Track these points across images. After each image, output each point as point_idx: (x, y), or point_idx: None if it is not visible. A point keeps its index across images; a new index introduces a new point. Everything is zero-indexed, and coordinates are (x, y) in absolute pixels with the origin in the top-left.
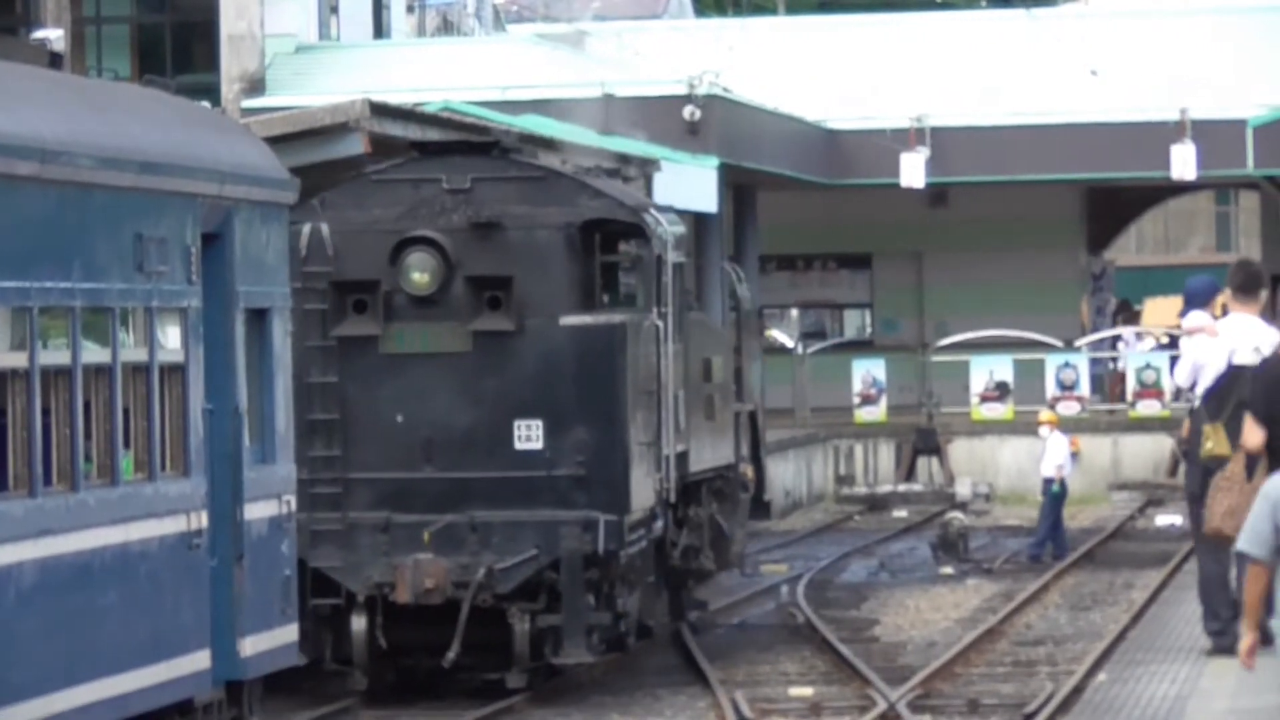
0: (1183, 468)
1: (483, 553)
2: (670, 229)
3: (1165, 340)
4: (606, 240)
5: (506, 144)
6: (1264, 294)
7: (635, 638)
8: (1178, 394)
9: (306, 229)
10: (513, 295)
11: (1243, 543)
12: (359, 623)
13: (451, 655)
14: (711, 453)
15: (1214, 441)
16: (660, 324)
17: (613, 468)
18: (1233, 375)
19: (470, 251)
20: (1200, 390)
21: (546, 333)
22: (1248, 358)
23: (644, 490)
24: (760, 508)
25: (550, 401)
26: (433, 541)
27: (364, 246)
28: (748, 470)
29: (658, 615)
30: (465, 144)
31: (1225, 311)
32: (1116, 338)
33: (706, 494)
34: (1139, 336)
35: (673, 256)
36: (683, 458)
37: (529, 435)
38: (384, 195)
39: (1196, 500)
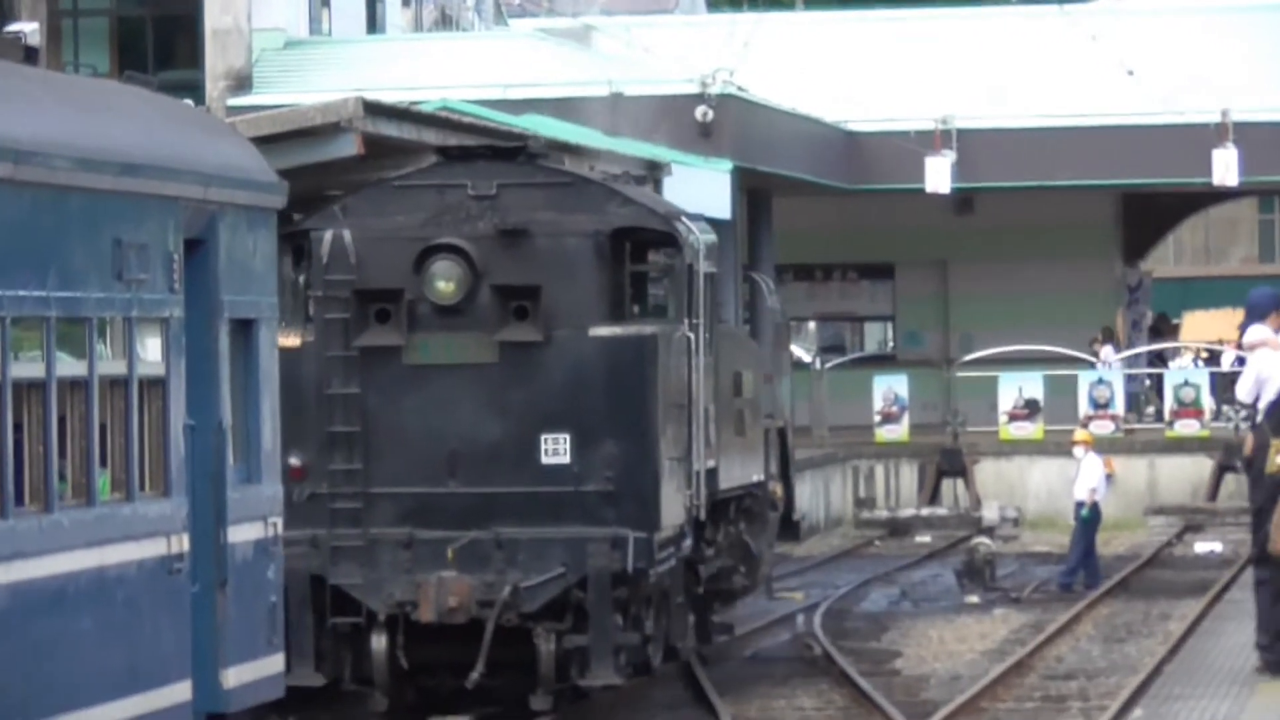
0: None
1: (508, 570)
2: (702, 238)
3: (1206, 356)
4: (636, 249)
5: (533, 149)
6: None
7: (662, 660)
8: (1218, 412)
9: (328, 236)
10: (540, 305)
11: None
12: (379, 642)
13: (475, 676)
14: (741, 470)
15: None
16: (691, 336)
17: (642, 483)
18: None
19: (496, 260)
20: (1264, 405)
21: (575, 344)
22: None
23: (674, 507)
24: (789, 528)
25: (578, 414)
26: (457, 559)
27: (387, 254)
28: (776, 489)
29: (685, 638)
30: (491, 149)
31: None
32: (1159, 354)
33: (735, 512)
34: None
35: (704, 266)
36: (712, 474)
37: (556, 449)
38: (407, 202)
39: (1262, 514)
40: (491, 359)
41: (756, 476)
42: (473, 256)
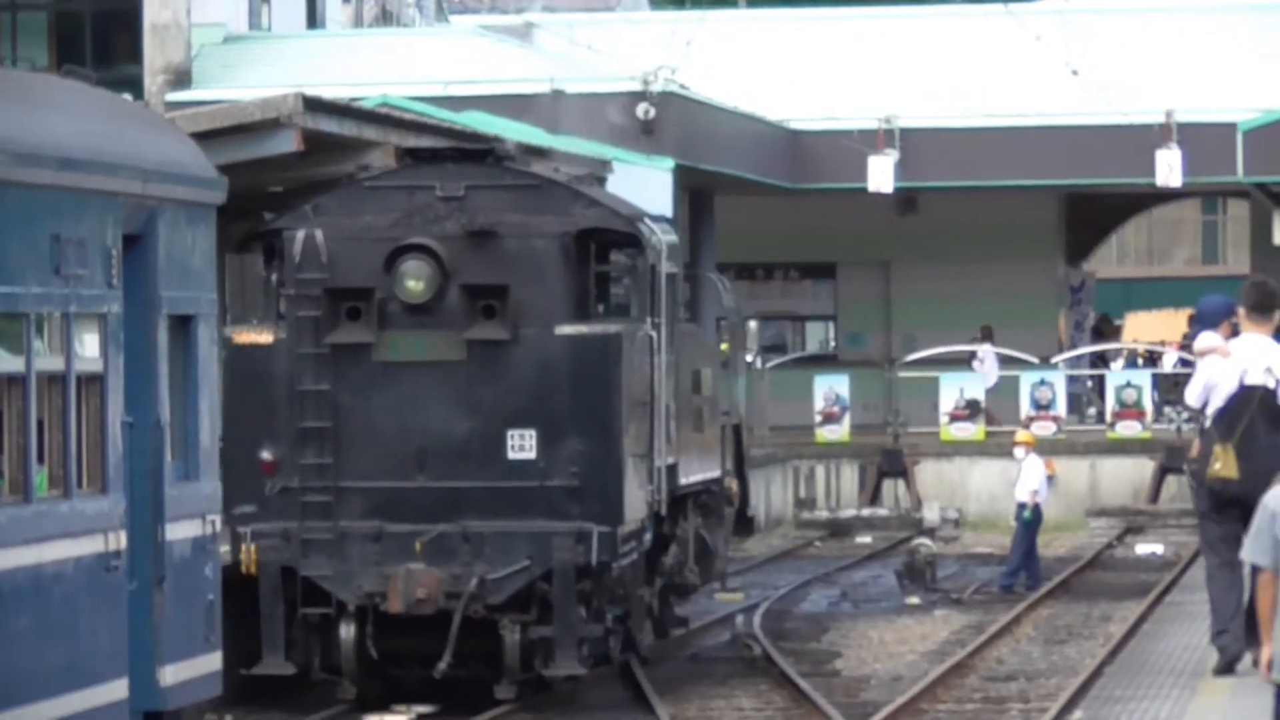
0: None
1: (475, 563)
2: (664, 239)
3: (1147, 357)
4: (601, 249)
5: (501, 152)
6: (1278, 314)
7: (620, 652)
8: (1159, 414)
9: (300, 235)
10: (508, 304)
11: (1247, 554)
12: (349, 632)
13: (443, 666)
14: (699, 466)
15: (1222, 463)
16: (654, 334)
17: (606, 479)
18: (1244, 396)
19: (465, 260)
20: (1212, 411)
21: (541, 342)
22: (1260, 378)
23: (636, 502)
24: (744, 523)
25: (544, 411)
26: (425, 551)
27: (358, 254)
28: (732, 485)
29: (644, 630)
30: (459, 151)
31: (1235, 331)
32: (1101, 355)
33: (692, 508)
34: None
35: (666, 267)
36: (672, 470)
37: (523, 445)
38: (377, 202)
39: (1205, 517)
40: (460, 357)
41: (714, 473)
42: (442, 256)
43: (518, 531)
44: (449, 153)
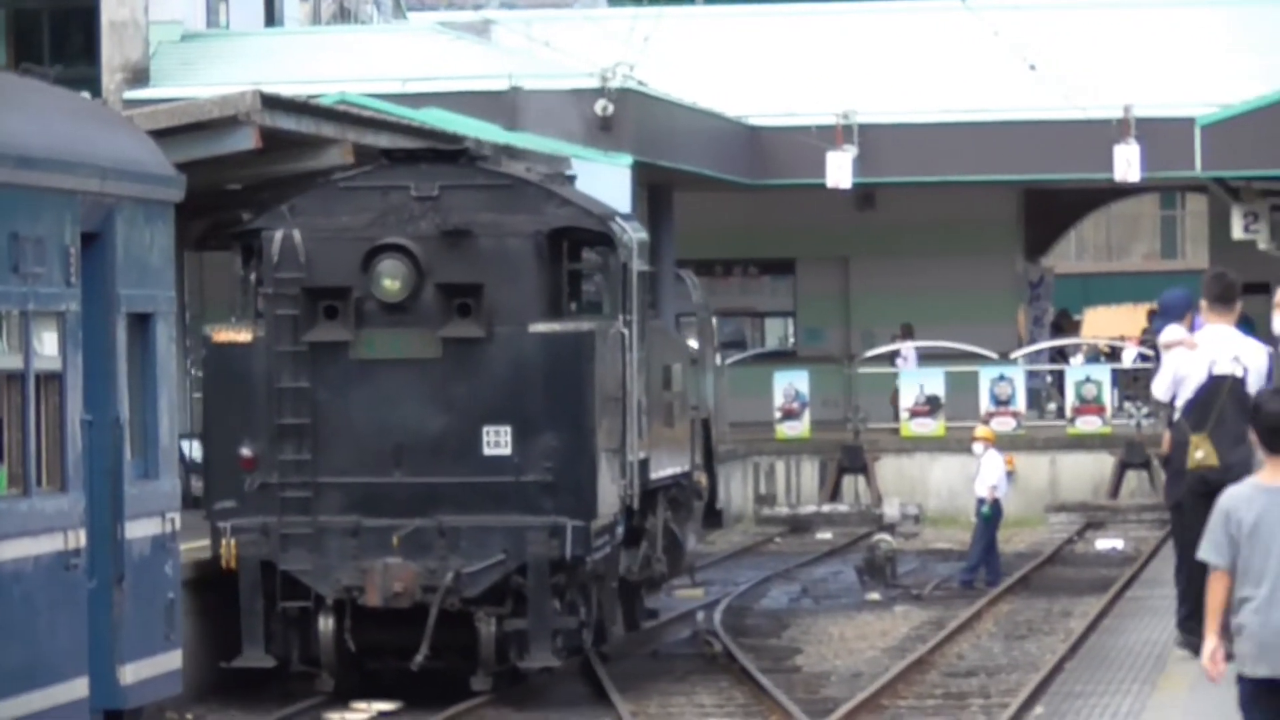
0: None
1: (450, 557)
2: (635, 236)
3: (1107, 352)
4: (573, 248)
5: (474, 152)
6: (1239, 305)
7: (594, 643)
8: (1119, 409)
9: (279, 235)
10: (482, 302)
11: (1203, 552)
12: (327, 625)
13: (420, 658)
14: (670, 460)
15: (1204, 451)
16: (626, 331)
17: (580, 474)
18: (1214, 386)
19: (440, 259)
20: (1181, 403)
21: (515, 340)
22: (1228, 368)
23: (609, 497)
24: (713, 515)
25: (519, 408)
26: (401, 546)
27: (335, 253)
28: (701, 478)
29: (617, 622)
30: (433, 151)
31: (1193, 324)
32: (1060, 350)
33: (663, 501)
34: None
35: (637, 264)
36: (644, 465)
37: (498, 441)
38: (353, 202)
39: (1179, 509)
40: (435, 354)
41: (684, 467)
42: (417, 256)
43: (493, 526)
44: (423, 153)
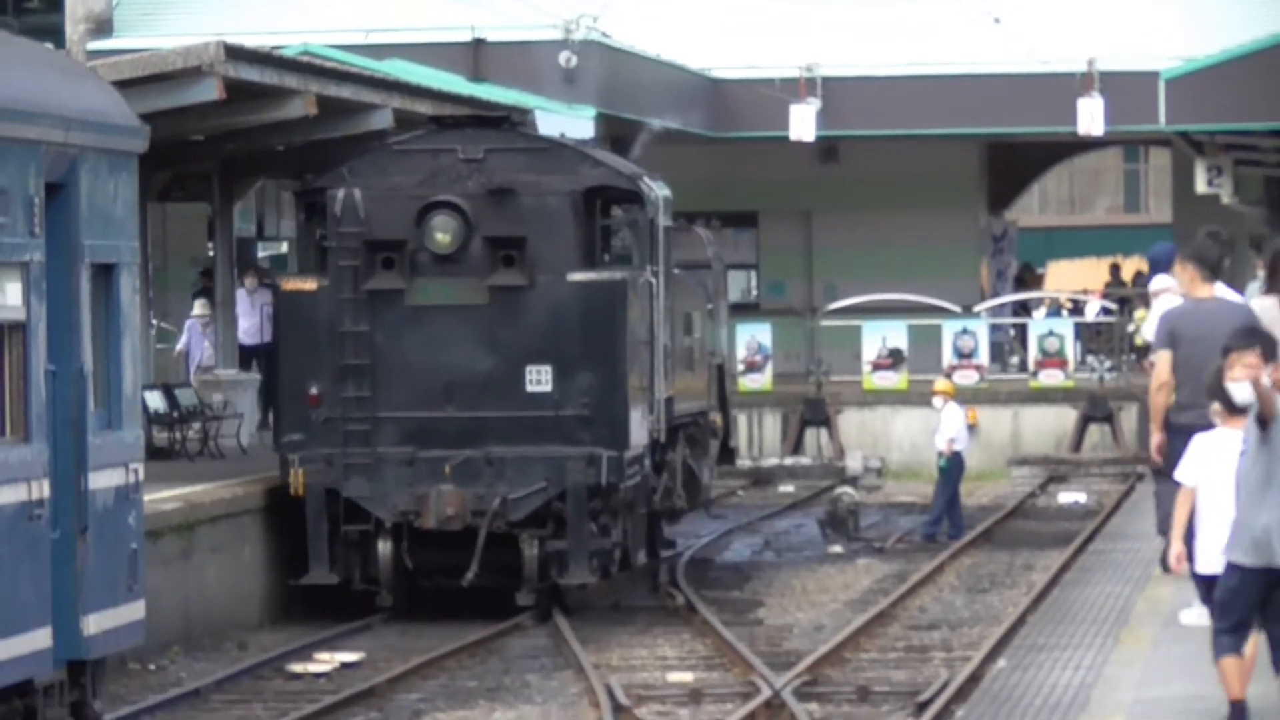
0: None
1: (497, 484)
2: (660, 193)
3: (1070, 306)
4: (605, 204)
5: (515, 118)
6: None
7: (619, 568)
8: (1082, 363)
9: (341, 194)
10: (525, 254)
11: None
12: (385, 547)
13: (470, 576)
14: (690, 400)
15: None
16: (653, 281)
17: (614, 409)
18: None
19: (486, 214)
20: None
21: (555, 288)
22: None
23: (640, 430)
24: (726, 453)
25: (558, 349)
26: (453, 474)
27: (391, 210)
28: (717, 418)
29: (642, 548)
30: (478, 118)
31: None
32: (1023, 304)
33: (682, 439)
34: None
35: (663, 220)
36: (669, 403)
37: (539, 379)
38: (405, 164)
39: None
40: (483, 301)
41: (702, 406)
42: (467, 211)
43: (535, 456)
44: (469, 120)
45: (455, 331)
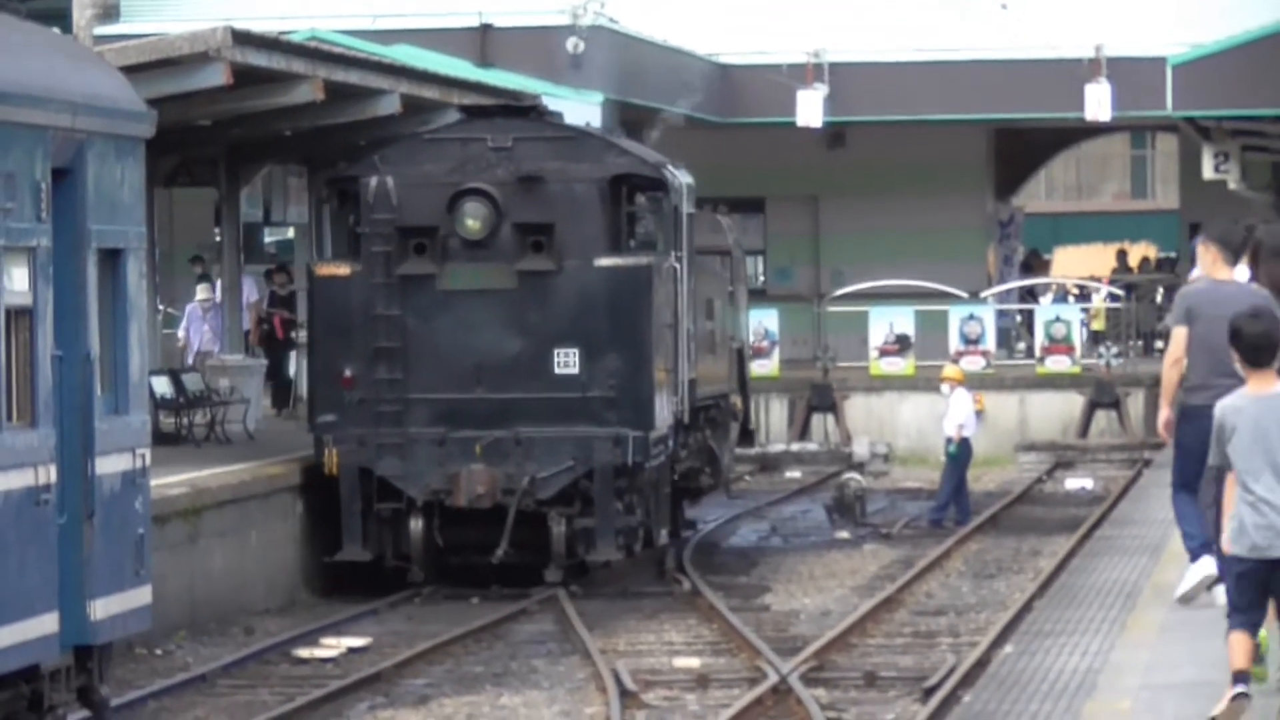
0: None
1: (526, 464)
2: (684, 181)
3: (1077, 293)
4: (631, 192)
5: (542, 108)
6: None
7: (642, 546)
8: (1089, 349)
9: (373, 181)
10: (554, 239)
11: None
12: (417, 524)
13: (500, 553)
14: (711, 383)
15: None
16: (677, 266)
17: (639, 391)
18: None
19: (515, 201)
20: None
21: (583, 272)
22: None
23: (664, 412)
24: (745, 435)
25: (586, 332)
26: (483, 453)
27: (423, 197)
28: (736, 401)
29: (665, 526)
30: (506, 108)
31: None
32: (1030, 290)
33: (703, 420)
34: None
35: (686, 207)
36: (693, 385)
37: (567, 362)
38: (436, 152)
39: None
40: (512, 285)
41: (723, 389)
42: (496, 198)
43: (563, 436)
44: (498, 109)
45: (485, 315)
